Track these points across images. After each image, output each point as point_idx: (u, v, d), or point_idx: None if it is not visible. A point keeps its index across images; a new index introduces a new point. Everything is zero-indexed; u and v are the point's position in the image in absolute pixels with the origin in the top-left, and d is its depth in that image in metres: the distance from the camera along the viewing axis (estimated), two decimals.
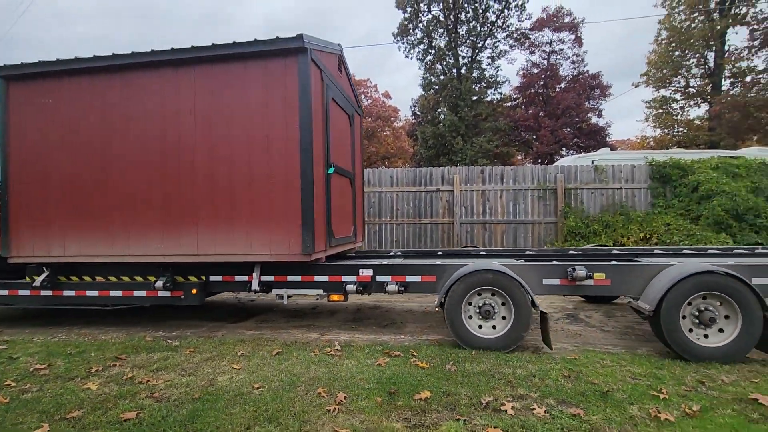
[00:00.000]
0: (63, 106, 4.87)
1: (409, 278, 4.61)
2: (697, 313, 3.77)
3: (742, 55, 22.73)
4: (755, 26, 21.74)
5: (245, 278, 4.83)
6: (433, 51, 24.91)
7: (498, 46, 25.56)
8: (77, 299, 5.12)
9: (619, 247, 6.72)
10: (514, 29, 25.67)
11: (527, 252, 5.97)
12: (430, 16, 24.84)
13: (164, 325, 5.39)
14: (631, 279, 4.19)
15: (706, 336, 3.76)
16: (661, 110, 25.53)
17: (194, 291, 4.88)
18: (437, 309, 4.23)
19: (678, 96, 25.17)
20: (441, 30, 24.94)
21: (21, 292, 5.21)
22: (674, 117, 25.37)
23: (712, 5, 22.03)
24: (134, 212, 4.70)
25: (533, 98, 28.74)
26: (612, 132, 28.13)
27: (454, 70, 24.53)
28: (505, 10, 24.50)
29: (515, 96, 29.15)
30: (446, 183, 10.14)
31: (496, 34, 25.22)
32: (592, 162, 10.42)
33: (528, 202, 9.91)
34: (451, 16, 24.52)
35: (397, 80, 54.08)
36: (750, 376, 3.39)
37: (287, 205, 4.39)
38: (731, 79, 23.23)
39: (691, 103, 25.09)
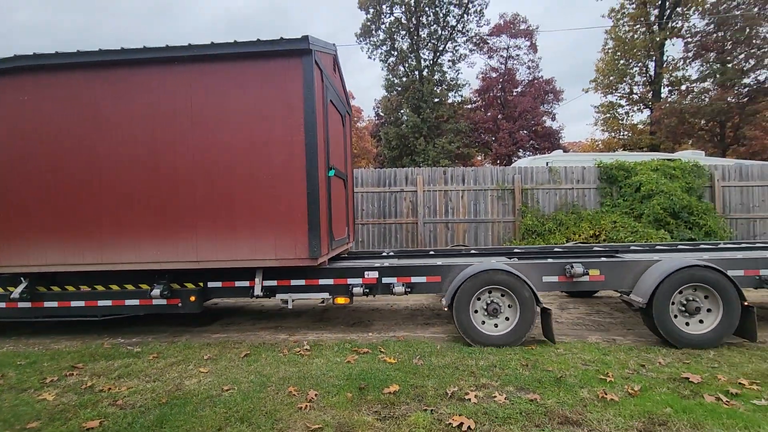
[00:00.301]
0: (42, 104, 4.50)
1: (414, 279, 4.68)
2: (684, 303, 4.13)
3: (678, 65, 24.66)
4: (689, 39, 23.65)
5: (246, 283, 4.72)
6: (396, 52, 25.23)
7: (458, 49, 26.32)
8: (60, 311, 4.78)
9: (601, 244, 7.15)
10: (473, 34, 26.51)
11: (515, 250, 6.23)
12: (392, 18, 25.14)
13: (122, 332, 5.19)
14: (622, 274, 4.50)
15: (696, 323, 4.13)
16: (608, 115, 27.22)
17: (192, 298, 4.68)
18: (446, 308, 4.31)
19: (623, 102, 26.94)
20: (403, 32, 25.30)
21: None
22: (620, 121, 27.14)
23: (652, 18, 23.76)
24: (127, 218, 4.44)
25: (492, 101, 29.76)
26: (565, 135, 29.79)
27: (416, 72, 24.95)
28: (465, 15, 25.23)
29: (475, 99, 30.06)
30: (410, 183, 10.35)
31: (456, 38, 25.92)
32: (547, 164, 11.00)
33: (488, 201, 10.31)
34: (413, 19, 24.92)
35: (360, 81, 54.16)
36: (683, 358, 3.78)
37: (293, 208, 4.34)
38: (669, 87, 25.14)
39: (635, 108, 26.93)
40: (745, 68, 22.32)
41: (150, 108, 4.46)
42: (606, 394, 3.00)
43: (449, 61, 26.18)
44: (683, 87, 24.42)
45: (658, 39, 23.48)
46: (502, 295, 4.30)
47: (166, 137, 4.44)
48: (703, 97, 23.03)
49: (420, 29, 25.28)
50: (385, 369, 3.57)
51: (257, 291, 4.60)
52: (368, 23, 25.31)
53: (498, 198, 10.28)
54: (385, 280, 4.71)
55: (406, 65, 25.15)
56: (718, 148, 23.51)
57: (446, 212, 10.30)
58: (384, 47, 25.48)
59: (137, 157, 4.45)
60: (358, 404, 2.96)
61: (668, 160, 10.95)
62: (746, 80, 22.41)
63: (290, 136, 4.34)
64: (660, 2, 23.32)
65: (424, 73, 24.82)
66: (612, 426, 2.61)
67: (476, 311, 4.29)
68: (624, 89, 26.60)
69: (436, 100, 23.82)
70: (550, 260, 4.70)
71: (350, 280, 4.73)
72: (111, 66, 4.47)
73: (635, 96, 26.44)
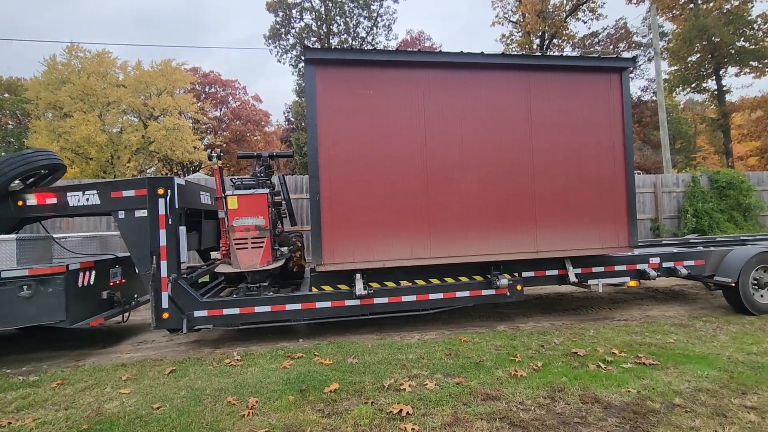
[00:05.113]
0: (384, 100, 4.73)
1: (686, 263, 5.56)
2: None
3: None
4: None
5: (555, 272, 5.29)
6: None
7: None
8: (391, 306, 4.84)
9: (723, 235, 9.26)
10: (382, 47, 27.51)
11: (691, 240, 7.32)
12: (302, 24, 25.02)
13: (3, 361, 4.50)
14: None
15: None
16: None
17: (519, 287, 5.05)
18: (732, 285, 5.13)
19: None
20: (314, 39, 25.32)
21: (319, 305, 4.72)
22: None
23: (535, 46, 27.20)
24: (473, 213, 4.85)
25: None
26: None
27: None
28: (374, 28, 26.15)
29: None
30: None
31: (366, 49, 26.68)
32: None
33: None
34: (324, 27, 25.11)
35: (277, 85, 52.90)
36: (572, 337, 4.54)
37: (616, 203, 5.14)
38: None
39: None
40: None
41: (491, 109, 4.94)
42: (516, 372, 3.52)
43: None
44: None
45: None
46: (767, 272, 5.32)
47: (506, 136, 4.96)
48: None
49: (330, 37, 25.55)
50: (323, 370, 3.70)
51: (572, 278, 5.17)
52: (277, 26, 24.87)
53: None
54: (665, 264, 5.55)
55: None
56: None
57: None
58: (294, 51, 25.23)
59: (482, 155, 4.89)
60: (302, 405, 3.05)
61: None
62: None
63: (613, 141, 5.18)
64: (540, 33, 26.83)
65: None
66: (524, 396, 3.09)
67: (750, 286, 5.21)
68: None
69: None
70: None
71: (639, 266, 5.48)
72: (451, 67, 4.87)
73: None
